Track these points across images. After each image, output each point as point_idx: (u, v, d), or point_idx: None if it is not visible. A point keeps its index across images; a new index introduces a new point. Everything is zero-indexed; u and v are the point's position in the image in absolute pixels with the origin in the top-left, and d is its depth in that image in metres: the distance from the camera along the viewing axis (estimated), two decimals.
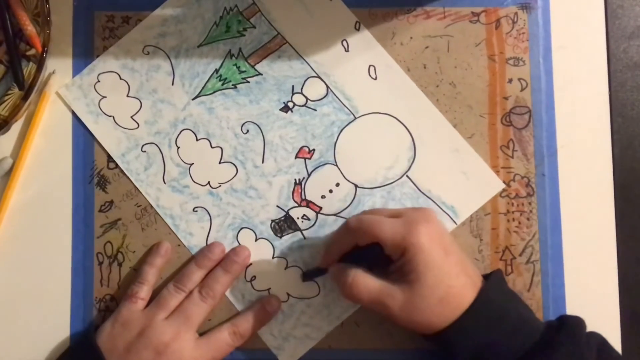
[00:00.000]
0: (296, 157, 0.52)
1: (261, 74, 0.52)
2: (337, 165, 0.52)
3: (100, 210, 0.52)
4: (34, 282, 0.51)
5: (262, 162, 0.52)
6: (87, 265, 0.51)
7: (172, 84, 0.52)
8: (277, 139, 0.52)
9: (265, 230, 0.51)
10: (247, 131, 0.52)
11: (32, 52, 0.52)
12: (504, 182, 0.52)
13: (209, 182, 0.52)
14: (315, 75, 0.52)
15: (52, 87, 0.52)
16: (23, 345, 0.51)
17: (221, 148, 0.52)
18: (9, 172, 0.52)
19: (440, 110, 0.52)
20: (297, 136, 0.52)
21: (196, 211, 0.51)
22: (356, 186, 0.51)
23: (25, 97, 0.49)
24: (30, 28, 0.51)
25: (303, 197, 0.51)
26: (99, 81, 0.52)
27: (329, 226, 0.51)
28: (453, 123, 0.52)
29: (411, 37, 0.52)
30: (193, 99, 0.52)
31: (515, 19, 0.53)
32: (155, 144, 0.52)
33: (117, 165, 0.52)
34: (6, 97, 0.51)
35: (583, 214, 0.51)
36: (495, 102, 0.52)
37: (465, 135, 0.52)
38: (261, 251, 0.51)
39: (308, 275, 0.51)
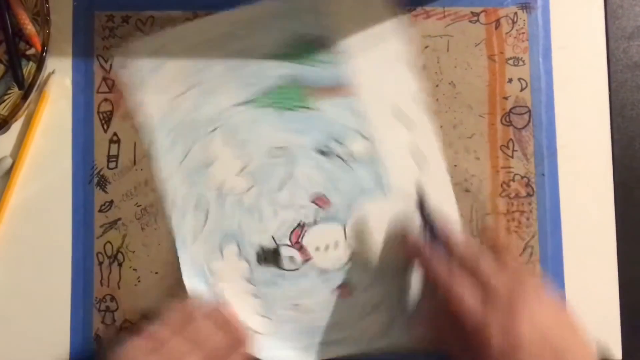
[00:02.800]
0: (312, 201, 0.51)
1: (314, 110, 0.52)
2: (345, 229, 0.51)
3: (100, 210, 0.52)
4: (34, 282, 0.51)
5: (278, 190, 0.51)
6: (87, 265, 0.51)
7: (223, 84, 0.52)
8: (302, 177, 0.51)
9: (250, 253, 0.51)
10: (278, 156, 0.52)
11: (31, 51, 0.52)
12: (504, 181, 0.52)
13: (221, 186, 0.51)
14: (367, 137, 0.52)
15: (51, 86, 0.52)
16: (23, 346, 0.51)
17: (246, 161, 0.51)
18: (9, 172, 0.51)
19: (440, 110, 0.52)
20: (322, 182, 0.51)
21: (197, 207, 0.51)
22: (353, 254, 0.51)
23: (25, 97, 0.49)
24: (30, 27, 0.51)
25: (299, 240, 0.51)
26: (151, 57, 0.52)
27: (310, 278, 0.51)
28: (453, 123, 0.52)
29: (411, 37, 0.52)
30: (239, 105, 0.52)
31: (515, 19, 0.53)
32: (188, 130, 0.52)
33: (117, 165, 0.52)
34: (6, 97, 0.51)
35: (583, 214, 0.51)
36: (495, 102, 0.52)
37: (465, 135, 0.52)
38: (238, 270, 0.51)
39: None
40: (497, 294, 0.39)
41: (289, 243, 0.51)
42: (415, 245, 0.47)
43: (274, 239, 0.51)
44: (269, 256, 0.51)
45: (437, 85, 0.52)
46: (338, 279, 0.51)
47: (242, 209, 0.51)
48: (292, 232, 0.51)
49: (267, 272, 0.51)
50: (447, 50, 0.52)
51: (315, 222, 0.51)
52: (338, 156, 0.51)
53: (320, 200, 0.51)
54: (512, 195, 0.52)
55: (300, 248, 0.51)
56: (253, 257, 0.51)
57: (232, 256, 0.51)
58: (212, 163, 0.51)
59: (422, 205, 0.48)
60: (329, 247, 0.51)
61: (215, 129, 0.52)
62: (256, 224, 0.51)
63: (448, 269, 0.43)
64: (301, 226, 0.51)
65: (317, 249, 0.51)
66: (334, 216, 0.51)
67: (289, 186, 0.51)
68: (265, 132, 0.52)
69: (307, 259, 0.51)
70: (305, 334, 0.50)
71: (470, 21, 0.53)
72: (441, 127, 0.52)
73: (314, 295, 0.51)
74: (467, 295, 0.40)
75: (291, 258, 0.51)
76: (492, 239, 0.48)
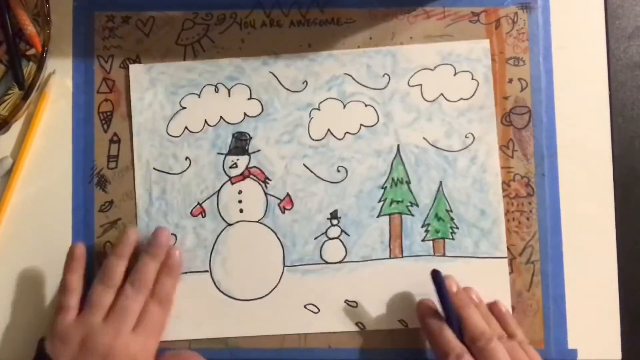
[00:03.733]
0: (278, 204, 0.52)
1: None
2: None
3: (100, 210, 0.52)
4: (34, 281, 0.51)
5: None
6: (88, 265, 0.51)
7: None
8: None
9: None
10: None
11: (32, 51, 0.52)
12: (504, 181, 0.51)
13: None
14: None
15: (52, 86, 0.52)
16: (23, 346, 0.51)
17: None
18: (9, 172, 0.52)
19: None
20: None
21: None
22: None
23: (25, 97, 0.49)
24: (30, 28, 0.51)
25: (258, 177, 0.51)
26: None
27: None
28: None
29: (411, 37, 0.52)
30: None
31: (515, 19, 0.53)
32: None
33: (117, 165, 0.52)
34: (6, 97, 0.51)
35: (583, 214, 0.51)
36: (495, 102, 0.52)
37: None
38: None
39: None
40: None
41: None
42: (427, 312, 0.48)
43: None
44: (237, 143, 0.51)
45: None
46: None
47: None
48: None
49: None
50: None
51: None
52: None
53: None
54: (513, 195, 0.51)
55: (250, 174, 0.52)
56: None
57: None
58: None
59: (439, 287, 0.46)
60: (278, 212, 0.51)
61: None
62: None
63: (459, 349, 0.45)
64: (286, 197, 0.52)
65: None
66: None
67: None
68: None
69: (262, 179, 0.51)
70: None
71: (471, 21, 0.53)
72: None
73: None
74: None
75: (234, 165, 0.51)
76: (502, 320, 0.48)
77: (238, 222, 0.51)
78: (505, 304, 0.50)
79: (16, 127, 0.52)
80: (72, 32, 0.53)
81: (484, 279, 0.50)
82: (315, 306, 0.51)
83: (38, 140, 0.52)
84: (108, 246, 0.51)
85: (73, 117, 0.52)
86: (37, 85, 0.50)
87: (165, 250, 0.50)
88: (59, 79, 0.52)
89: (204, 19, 0.53)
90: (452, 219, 0.51)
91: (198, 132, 0.52)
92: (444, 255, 0.51)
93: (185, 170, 0.52)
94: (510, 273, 0.51)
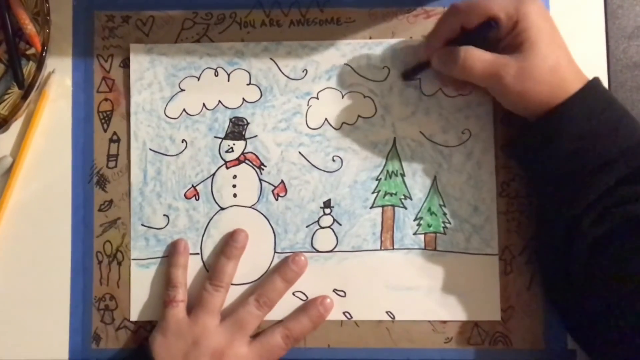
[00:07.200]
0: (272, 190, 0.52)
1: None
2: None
3: (99, 210, 0.52)
4: (34, 281, 0.51)
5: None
6: (87, 264, 0.51)
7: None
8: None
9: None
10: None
11: (31, 51, 0.52)
12: (504, 181, 0.51)
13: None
14: None
15: (51, 86, 0.52)
16: (22, 344, 0.51)
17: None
18: (9, 171, 0.52)
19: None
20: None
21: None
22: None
23: (25, 96, 0.49)
24: (30, 27, 0.51)
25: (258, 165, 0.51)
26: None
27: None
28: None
29: (411, 37, 0.52)
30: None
31: None
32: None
33: (116, 165, 0.52)
34: (6, 96, 0.51)
35: None
36: (495, 102, 0.52)
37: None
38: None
39: (409, 74, 0.51)
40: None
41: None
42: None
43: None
44: (235, 128, 0.51)
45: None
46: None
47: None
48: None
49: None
50: None
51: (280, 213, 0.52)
52: None
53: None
54: (513, 194, 0.51)
55: (247, 159, 0.52)
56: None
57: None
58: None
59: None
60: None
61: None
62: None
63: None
64: (280, 184, 0.52)
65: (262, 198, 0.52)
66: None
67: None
68: None
69: (258, 165, 0.51)
70: None
71: None
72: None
73: None
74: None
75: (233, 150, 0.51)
76: None
77: (231, 206, 0.51)
78: (495, 301, 0.50)
79: (16, 127, 0.52)
80: (71, 32, 0.53)
81: (474, 275, 0.50)
82: (304, 294, 0.51)
83: (38, 140, 0.52)
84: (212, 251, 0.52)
85: (73, 117, 0.52)
86: (37, 85, 0.50)
87: (299, 277, 0.50)
88: (59, 78, 0.52)
89: (203, 18, 0.53)
90: (444, 214, 0.51)
91: (196, 115, 0.52)
92: (435, 249, 0.51)
93: (181, 153, 0.52)
94: (510, 273, 0.51)
